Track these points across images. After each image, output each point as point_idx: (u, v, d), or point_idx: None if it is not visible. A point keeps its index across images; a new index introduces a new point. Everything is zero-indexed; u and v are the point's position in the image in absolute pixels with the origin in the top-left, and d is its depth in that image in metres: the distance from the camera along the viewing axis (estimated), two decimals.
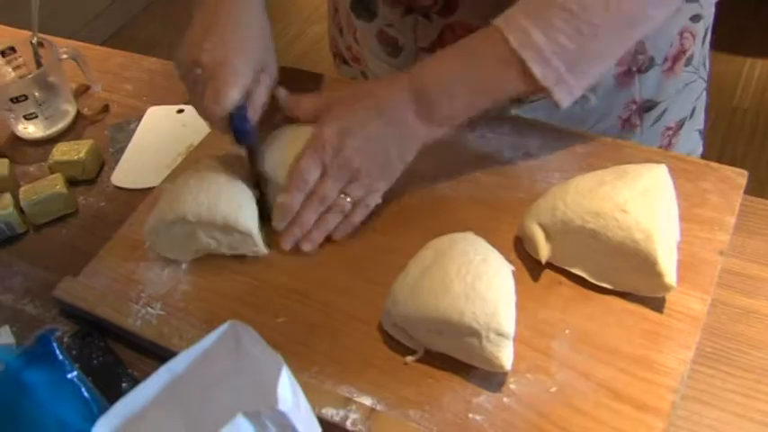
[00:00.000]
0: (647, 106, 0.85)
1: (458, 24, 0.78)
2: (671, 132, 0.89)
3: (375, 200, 0.72)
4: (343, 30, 0.95)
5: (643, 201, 0.61)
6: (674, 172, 0.65)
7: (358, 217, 0.72)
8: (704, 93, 0.91)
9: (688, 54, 0.84)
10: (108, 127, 0.94)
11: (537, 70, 0.63)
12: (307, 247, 0.71)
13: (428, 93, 0.68)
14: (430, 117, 0.68)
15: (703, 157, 0.94)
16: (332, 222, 0.71)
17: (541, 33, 0.62)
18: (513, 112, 0.83)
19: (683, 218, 0.65)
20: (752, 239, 0.68)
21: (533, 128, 0.79)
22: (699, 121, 0.93)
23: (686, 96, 0.88)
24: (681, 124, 0.90)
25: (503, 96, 0.69)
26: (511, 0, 0.65)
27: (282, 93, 0.75)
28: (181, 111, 0.93)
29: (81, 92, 1.00)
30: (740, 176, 0.71)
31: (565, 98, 0.65)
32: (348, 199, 0.70)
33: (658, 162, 0.67)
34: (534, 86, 0.65)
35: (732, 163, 0.72)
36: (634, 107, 0.84)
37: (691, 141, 0.93)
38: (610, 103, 0.83)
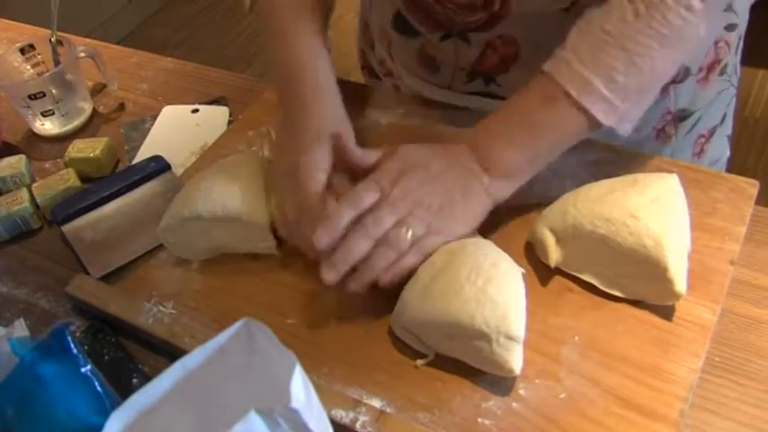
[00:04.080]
0: (682, 116, 0.85)
1: (498, 40, 0.78)
2: (703, 140, 0.89)
3: (433, 244, 0.64)
4: (375, 45, 0.95)
5: (654, 208, 0.62)
6: (685, 181, 0.65)
7: (413, 259, 0.63)
8: (734, 99, 0.91)
9: (722, 63, 0.84)
10: (123, 125, 0.95)
11: (602, 117, 0.63)
12: (353, 287, 0.63)
13: (485, 146, 0.67)
14: (492, 169, 0.66)
15: (730, 160, 0.95)
16: (383, 259, 0.62)
17: (602, 80, 0.62)
18: None
19: (694, 227, 0.65)
20: (762, 249, 0.68)
21: None
22: (728, 126, 0.93)
23: (718, 104, 0.88)
24: (713, 132, 0.90)
25: (567, 144, 0.67)
26: (557, 20, 0.66)
27: (358, 151, 0.70)
28: (195, 110, 0.93)
29: (97, 90, 1.01)
30: (751, 186, 0.71)
31: (628, 129, 0.65)
32: (409, 233, 0.63)
33: (670, 171, 0.67)
34: (597, 128, 0.65)
35: (743, 173, 0.73)
36: (669, 117, 0.84)
37: (720, 147, 0.93)
38: (646, 114, 0.82)
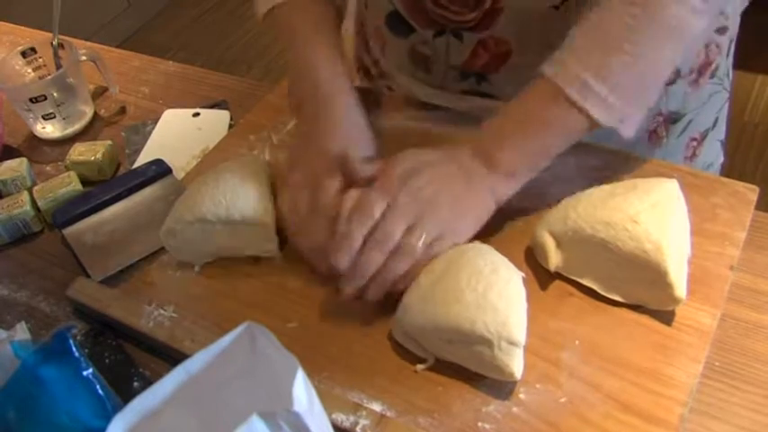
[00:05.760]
0: (673, 118, 0.85)
1: (491, 39, 0.78)
2: (695, 143, 0.89)
3: (444, 246, 0.64)
4: (369, 45, 0.95)
5: (654, 213, 0.62)
6: (685, 187, 0.66)
7: (424, 263, 0.64)
8: (726, 103, 0.92)
9: (713, 66, 0.85)
10: (124, 128, 0.95)
11: (602, 118, 0.64)
12: (371, 296, 0.64)
13: (488, 148, 0.68)
14: (495, 169, 0.67)
15: (724, 166, 0.95)
16: (398, 268, 0.63)
17: (600, 81, 0.63)
18: None
19: (694, 232, 0.66)
20: (761, 255, 0.68)
21: None
22: (721, 131, 0.93)
23: (710, 107, 0.88)
24: (705, 135, 0.90)
25: (568, 143, 0.68)
26: (548, 18, 0.65)
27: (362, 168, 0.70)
28: (196, 114, 0.94)
29: (98, 93, 1.01)
30: (751, 192, 0.71)
31: (630, 132, 0.65)
32: (422, 238, 0.63)
33: (670, 176, 0.67)
34: (598, 127, 0.65)
35: (742, 178, 0.73)
36: (660, 119, 0.84)
37: (713, 151, 0.93)
38: None
